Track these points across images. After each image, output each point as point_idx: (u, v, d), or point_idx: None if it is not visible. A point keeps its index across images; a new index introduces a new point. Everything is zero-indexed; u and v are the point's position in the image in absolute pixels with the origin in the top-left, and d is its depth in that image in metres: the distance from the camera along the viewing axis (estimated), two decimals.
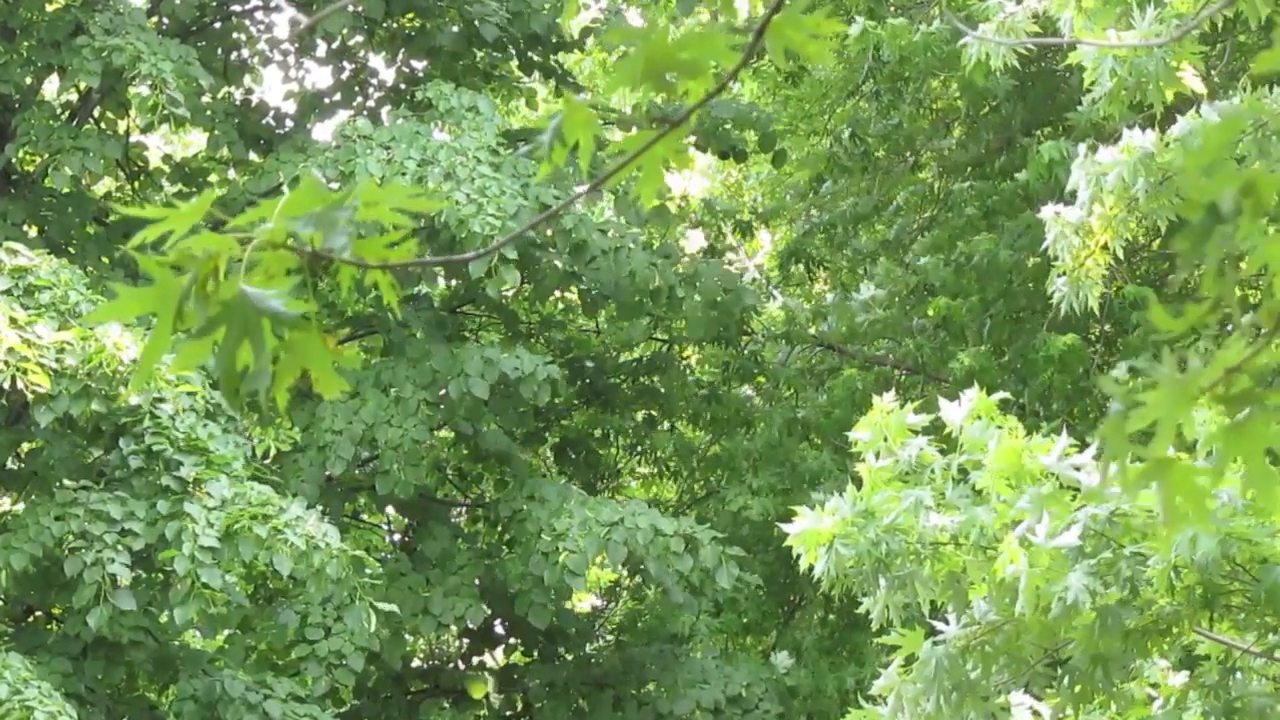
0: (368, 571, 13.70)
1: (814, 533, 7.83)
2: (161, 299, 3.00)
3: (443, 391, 16.26)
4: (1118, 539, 7.65)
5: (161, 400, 13.50)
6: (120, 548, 13.33)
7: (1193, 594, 7.53)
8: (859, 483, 7.98)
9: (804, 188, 20.30)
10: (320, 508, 14.33)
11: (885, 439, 7.97)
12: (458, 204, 15.13)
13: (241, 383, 2.94)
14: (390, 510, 19.61)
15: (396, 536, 19.18)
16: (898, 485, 7.90)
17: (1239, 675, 8.27)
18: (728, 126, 18.07)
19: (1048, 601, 7.49)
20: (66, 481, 14.05)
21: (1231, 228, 2.84)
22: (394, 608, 14.00)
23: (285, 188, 15.32)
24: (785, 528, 7.93)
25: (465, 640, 19.53)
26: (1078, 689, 7.74)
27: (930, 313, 17.73)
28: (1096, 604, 7.55)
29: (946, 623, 8.04)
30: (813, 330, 19.35)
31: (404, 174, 15.41)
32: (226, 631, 15.92)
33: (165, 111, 15.21)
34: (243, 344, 2.93)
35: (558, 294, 19.22)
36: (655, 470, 20.71)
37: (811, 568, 7.90)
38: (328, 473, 15.97)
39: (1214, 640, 8.16)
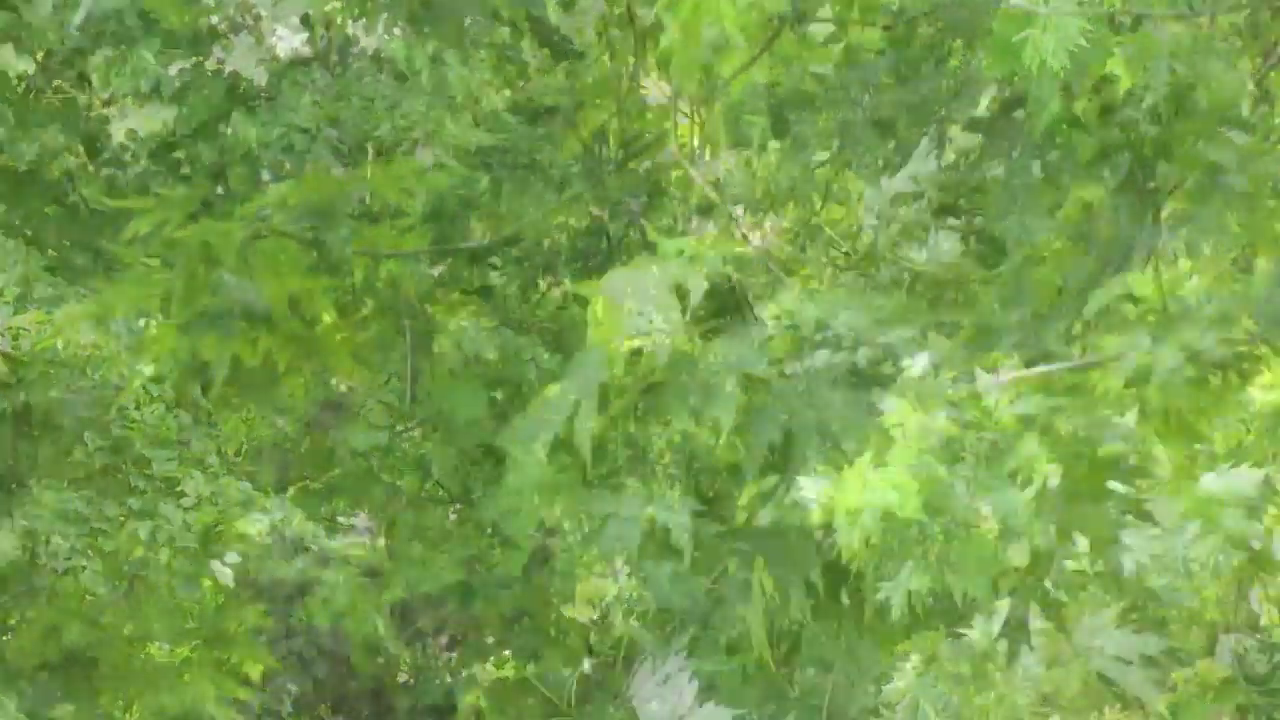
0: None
1: (838, 497, 7.76)
2: (148, 294, 2.98)
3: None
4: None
5: (120, 390, 13.48)
6: (91, 553, 13.36)
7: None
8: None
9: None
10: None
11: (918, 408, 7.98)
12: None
13: (200, 375, 2.97)
14: (372, 522, 19.68)
15: (382, 542, 19.25)
16: (928, 459, 7.92)
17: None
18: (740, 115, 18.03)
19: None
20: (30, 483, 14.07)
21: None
22: (397, 593, 14.02)
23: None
24: (801, 482, 7.85)
25: (453, 654, 19.59)
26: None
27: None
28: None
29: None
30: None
31: (347, 110, 15.31)
32: (195, 643, 16.01)
33: (138, 72, 15.22)
34: (209, 338, 2.92)
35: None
36: (652, 469, 20.75)
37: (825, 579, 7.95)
38: (283, 427, 15.81)
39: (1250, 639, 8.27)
